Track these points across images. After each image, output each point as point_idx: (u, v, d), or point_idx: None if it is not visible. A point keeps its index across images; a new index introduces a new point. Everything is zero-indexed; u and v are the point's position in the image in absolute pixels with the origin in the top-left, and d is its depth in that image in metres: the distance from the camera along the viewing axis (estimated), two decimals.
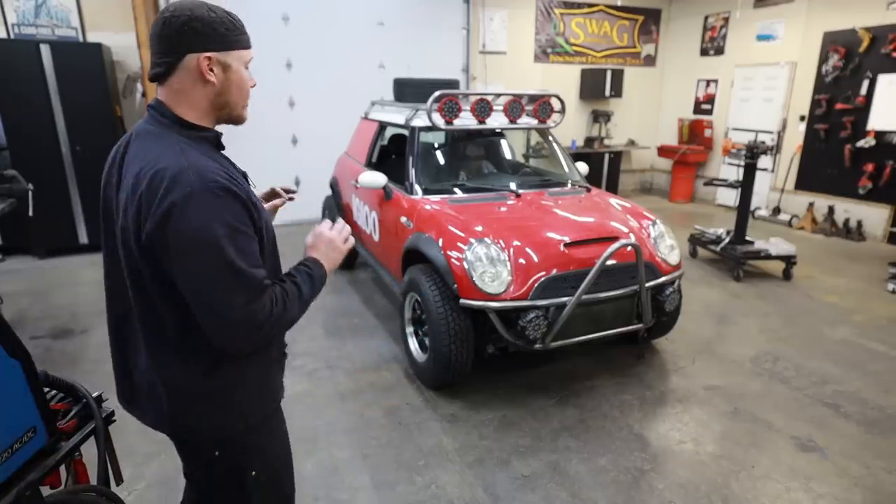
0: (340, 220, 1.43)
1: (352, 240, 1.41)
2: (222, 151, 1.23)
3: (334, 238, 1.37)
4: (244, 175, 1.27)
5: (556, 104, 3.76)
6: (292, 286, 1.20)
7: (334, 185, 4.95)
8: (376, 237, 3.88)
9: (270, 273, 1.20)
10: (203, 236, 1.02)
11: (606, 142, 8.25)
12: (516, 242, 2.82)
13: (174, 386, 1.18)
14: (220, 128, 1.23)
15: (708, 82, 8.08)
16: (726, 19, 7.68)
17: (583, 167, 4.02)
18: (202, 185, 1.03)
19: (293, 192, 1.64)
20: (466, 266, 2.71)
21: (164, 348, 1.16)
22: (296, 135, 6.61)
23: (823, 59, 6.39)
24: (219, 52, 1.11)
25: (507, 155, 4.47)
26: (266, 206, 1.56)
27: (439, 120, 3.48)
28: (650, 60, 8.71)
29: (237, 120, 1.23)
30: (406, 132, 3.78)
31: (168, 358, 1.16)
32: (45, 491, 1.16)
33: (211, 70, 1.11)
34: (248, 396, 1.25)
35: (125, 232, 1.09)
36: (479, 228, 2.90)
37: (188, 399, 1.19)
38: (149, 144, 1.11)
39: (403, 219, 3.32)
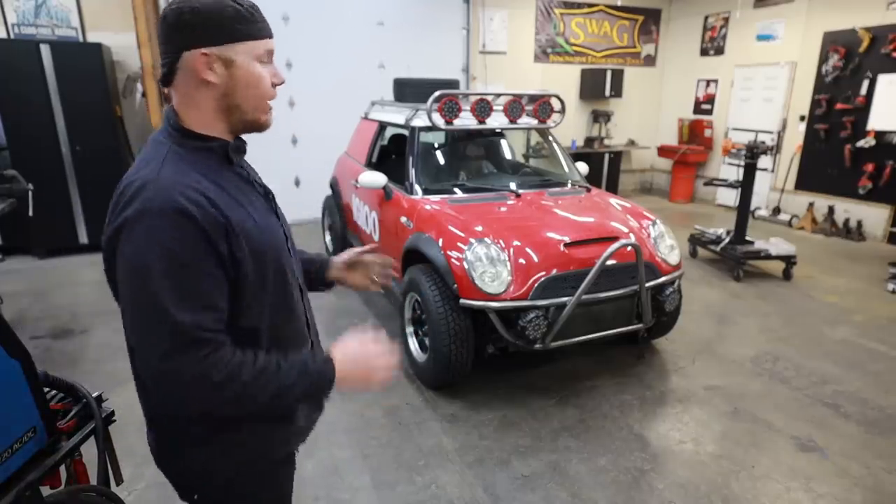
0: (383, 336, 1.10)
1: (390, 371, 1.10)
2: (240, 164, 1.07)
3: (371, 357, 1.07)
4: (267, 194, 1.11)
5: (556, 104, 3.76)
6: (270, 363, 0.96)
7: (334, 185, 4.95)
8: (376, 237, 3.88)
9: (265, 323, 1.02)
10: (133, 263, 0.88)
11: (606, 142, 8.25)
12: (516, 242, 2.82)
13: (147, 417, 1.08)
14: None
15: (708, 82, 8.08)
16: (726, 19, 7.68)
17: (583, 167, 4.02)
18: (157, 203, 0.87)
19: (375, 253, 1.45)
20: (466, 266, 2.71)
21: (136, 373, 1.02)
22: (296, 135, 6.62)
23: (823, 59, 6.39)
24: (219, 46, 0.94)
25: (507, 155, 4.47)
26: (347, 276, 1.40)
27: (439, 120, 3.48)
28: (650, 60, 8.71)
29: (255, 126, 1.03)
30: (406, 132, 3.78)
31: (140, 383, 1.04)
32: (45, 491, 1.16)
33: (210, 68, 0.95)
34: (224, 447, 1.05)
35: None
36: (479, 228, 2.90)
37: (156, 434, 1.08)
38: (145, 153, 0.99)
39: (403, 219, 3.32)
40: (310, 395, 1.05)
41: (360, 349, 1.08)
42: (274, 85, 1.03)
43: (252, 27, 0.97)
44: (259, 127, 1.04)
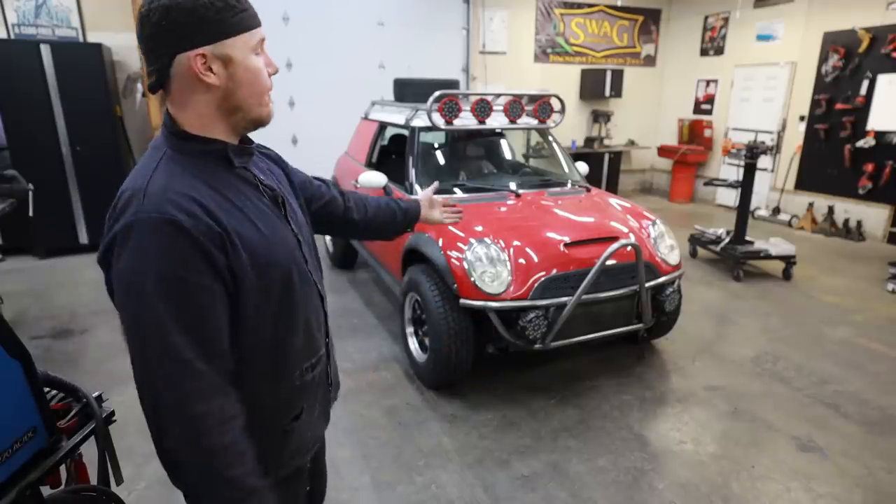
0: None
1: None
2: (245, 166, 1.00)
3: None
4: (276, 199, 1.02)
5: (556, 104, 3.76)
6: (238, 435, 0.89)
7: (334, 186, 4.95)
8: None
9: (263, 339, 0.96)
10: (126, 282, 0.83)
11: (606, 142, 8.25)
12: (516, 242, 2.82)
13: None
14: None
15: (708, 82, 8.08)
16: (726, 19, 7.68)
17: (583, 167, 4.02)
18: (146, 215, 0.82)
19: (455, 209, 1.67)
20: (466, 266, 2.71)
21: None
22: (296, 135, 6.62)
23: (823, 59, 6.39)
24: (214, 44, 0.87)
25: (507, 155, 4.47)
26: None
27: (439, 120, 3.48)
28: (650, 60, 8.71)
29: (258, 122, 0.98)
30: (406, 132, 3.78)
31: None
32: (46, 491, 1.16)
33: (209, 70, 0.88)
34: None
35: None
36: (480, 228, 2.90)
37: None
38: (142, 160, 0.94)
39: None
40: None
41: None
42: (270, 75, 0.97)
43: (243, 17, 0.90)
44: (262, 122, 0.98)
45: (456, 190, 3.48)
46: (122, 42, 5.62)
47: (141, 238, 0.82)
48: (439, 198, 1.66)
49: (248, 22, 0.90)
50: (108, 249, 0.86)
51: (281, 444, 1.05)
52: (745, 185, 4.91)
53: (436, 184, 1.74)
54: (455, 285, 2.72)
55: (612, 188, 8.02)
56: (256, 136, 1.05)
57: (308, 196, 1.31)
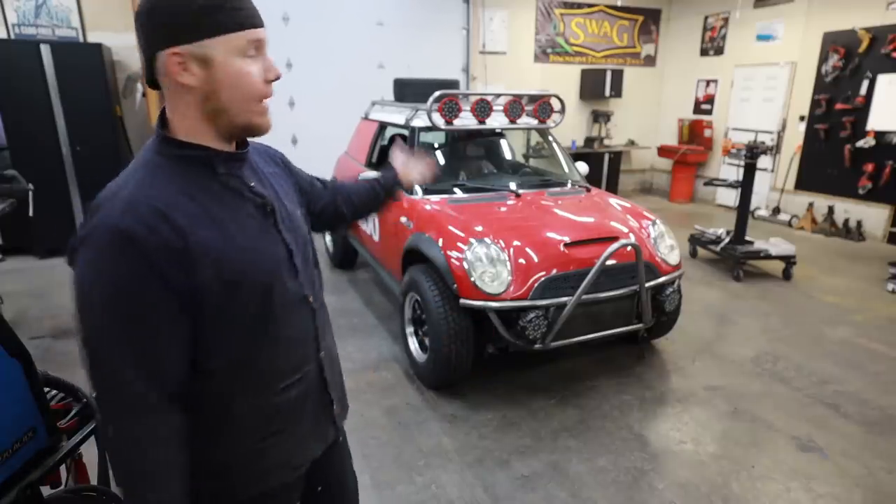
0: None
1: None
2: (232, 173, 0.94)
3: None
4: (265, 208, 0.96)
5: (556, 104, 3.76)
6: (167, 457, 0.87)
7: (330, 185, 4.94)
8: (376, 237, 3.87)
9: (230, 357, 0.91)
10: (77, 293, 0.83)
11: (606, 142, 8.25)
12: (516, 242, 2.82)
13: None
14: None
15: (708, 82, 8.08)
16: (726, 19, 7.68)
17: (583, 167, 4.02)
18: (104, 224, 0.80)
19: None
20: (466, 266, 2.71)
21: None
22: (296, 135, 6.62)
23: (823, 59, 6.39)
24: (191, 43, 0.82)
25: (507, 155, 4.47)
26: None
27: (439, 120, 3.47)
28: (650, 60, 8.71)
29: (249, 130, 0.92)
30: (406, 132, 3.78)
31: None
32: (46, 491, 1.16)
33: (186, 70, 0.83)
34: (220, 479, 0.99)
35: None
36: (480, 228, 2.90)
37: None
38: (132, 162, 0.92)
39: (403, 219, 3.32)
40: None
41: None
42: (269, 81, 0.90)
43: (229, 17, 0.84)
44: (254, 130, 0.93)
45: (456, 190, 3.48)
46: (122, 42, 5.62)
47: (98, 248, 0.80)
48: (412, 159, 1.60)
49: (232, 23, 0.84)
50: (73, 252, 0.85)
51: (254, 460, 1.01)
52: (745, 185, 4.91)
53: (398, 140, 1.74)
54: (455, 285, 2.72)
55: (612, 188, 8.02)
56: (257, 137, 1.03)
57: (308, 199, 1.29)
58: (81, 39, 5.56)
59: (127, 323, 0.81)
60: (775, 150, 6.99)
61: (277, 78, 0.91)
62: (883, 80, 5.82)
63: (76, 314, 0.84)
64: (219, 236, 0.87)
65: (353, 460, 1.38)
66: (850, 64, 6.11)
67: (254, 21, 0.87)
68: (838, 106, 6.24)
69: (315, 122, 6.51)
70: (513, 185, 3.55)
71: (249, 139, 0.99)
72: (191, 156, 0.89)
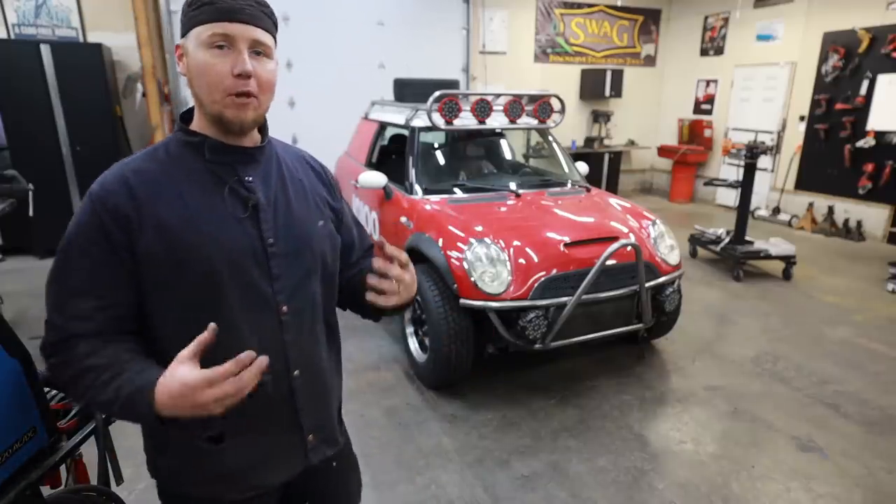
0: (224, 370, 0.80)
1: (219, 404, 0.80)
2: (221, 162, 0.97)
3: (187, 393, 0.80)
4: (246, 202, 0.97)
5: (556, 104, 3.76)
6: (100, 370, 0.88)
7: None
8: (376, 237, 3.87)
9: (175, 327, 0.94)
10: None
11: (606, 142, 8.25)
12: (516, 242, 2.82)
13: None
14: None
15: (708, 82, 8.08)
16: (726, 19, 7.68)
17: (583, 167, 4.02)
18: (91, 186, 0.94)
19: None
20: (466, 266, 2.71)
21: None
22: (296, 135, 6.61)
23: (823, 59, 6.39)
24: (184, 36, 0.94)
25: (507, 155, 4.47)
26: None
27: (439, 120, 3.48)
28: (650, 60, 8.71)
29: (219, 121, 0.94)
30: (406, 132, 3.78)
31: None
32: (46, 491, 1.16)
33: (180, 60, 0.95)
34: (165, 458, 1.05)
35: None
36: (480, 228, 2.90)
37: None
38: None
39: (403, 219, 3.32)
40: (119, 414, 0.88)
41: (182, 389, 0.80)
42: (235, 76, 0.89)
43: (202, 11, 0.89)
44: (226, 123, 0.93)
45: (456, 190, 3.48)
46: (122, 42, 5.62)
47: (80, 206, 0.94)
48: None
49: (205, 14, 0.89)
50: None
51: (193, 460, 1.01)
52: (745, 185, 4.91)
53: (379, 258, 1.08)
54: (455, 285, 2.72)
55: (612, 188, 8.02)
56: None
57: (343, 248, 1.18)
58: (81, 39, 5.56)
59: (67, 262, 0.92)
60: (775, 150, 6.99)
61: (243, 73, 0.89)
62: (883, 80, 5.83)
63: None
64: (180, 214, 0.93)
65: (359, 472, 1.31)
66: (850, 64, 6.11)
67: (221, 16, 0.89)
68: (838, 106, 6.24)
69: (315, 121, 6.50)
70: (513, 185, 3.55)
71: (291, 144, 1.12)
72: (189, 141, 0.98)
